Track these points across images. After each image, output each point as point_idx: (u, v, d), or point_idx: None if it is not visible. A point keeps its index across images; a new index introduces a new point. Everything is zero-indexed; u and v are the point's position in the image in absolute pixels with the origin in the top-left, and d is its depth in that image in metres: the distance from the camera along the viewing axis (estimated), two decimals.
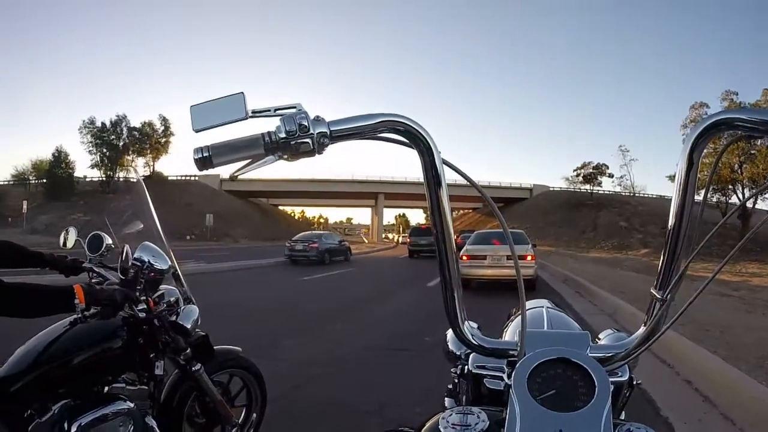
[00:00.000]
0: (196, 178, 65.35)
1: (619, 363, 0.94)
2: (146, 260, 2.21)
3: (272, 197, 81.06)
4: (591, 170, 65.14)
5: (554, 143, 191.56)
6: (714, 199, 42.27)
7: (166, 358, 2.31)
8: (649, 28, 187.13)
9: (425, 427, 0.84)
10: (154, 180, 58.42)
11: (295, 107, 0.80)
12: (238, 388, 2.97)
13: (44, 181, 51.70)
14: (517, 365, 0.82)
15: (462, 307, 0.96)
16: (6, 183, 54.70)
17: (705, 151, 0.79)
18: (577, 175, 66.49)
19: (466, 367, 1.24)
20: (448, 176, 0.89)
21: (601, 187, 67.13)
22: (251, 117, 0.80)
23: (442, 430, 0.79)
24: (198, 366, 2.44)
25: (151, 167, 61.43)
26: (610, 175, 65.55)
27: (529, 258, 12.03)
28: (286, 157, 0.80)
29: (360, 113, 0.84)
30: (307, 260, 22.23)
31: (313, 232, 29.96)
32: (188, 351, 2.35)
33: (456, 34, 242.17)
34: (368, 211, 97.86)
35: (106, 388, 2.06)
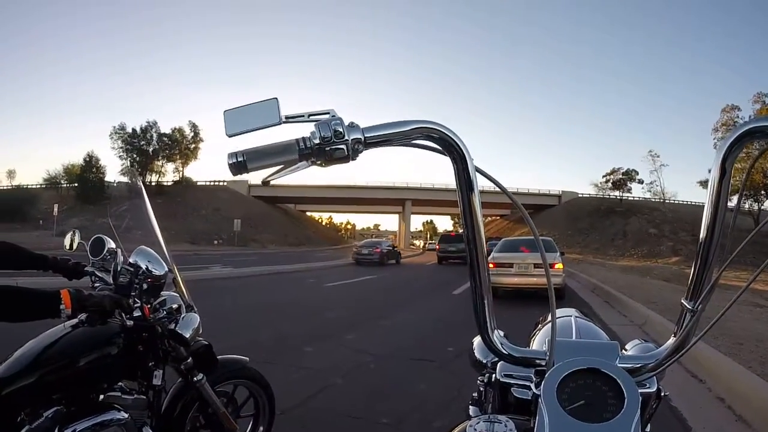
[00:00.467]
0: (225, 183, 66.30)
1: (648, 374, 0.93)
2: (142, 265, 2.16)
3: (299, 203, 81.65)
4: (620, 176, 64.39)
5: (583, 149, 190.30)
6: (746, 206, 41.54)
7: (169, 367, 2.25)
8: (679, 29, 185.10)
9: None
10: (184, 185, 59.41)
11: (328, 113, 0.80)
12: (245, 397, 2.88)
13: (75, 185, 52.67)
14: (547, 375, 0.81)
15: (492, 315, 0.96)
16: (38, 186, 55.89)
17: (738, 155, 0.78)
18: (606, 182, 65.76)
19: (494, 375, 1.23)
20: (450, 182, 0.84)
21: (631, 193, 66.29)
22: (285, 123, 0.81)
23: None
24: (200, 376, 2.36)
25: (181, 172, 62.40)
26: (640, 181, 64.74)
27: (556, 266, 11.68)
28: (319, 162, 0.80)
29: (393, 120, 0.84)
30: (370, 262, 26.82)
31: (374, 239, 36.32)
32: (189, 360, 2.28)
33: (485, 41, 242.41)
34: (395, 217, 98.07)
35: (102, 396, 1.99)
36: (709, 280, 0.84)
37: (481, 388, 1.51)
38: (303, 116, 0.81)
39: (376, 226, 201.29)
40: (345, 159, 0.78)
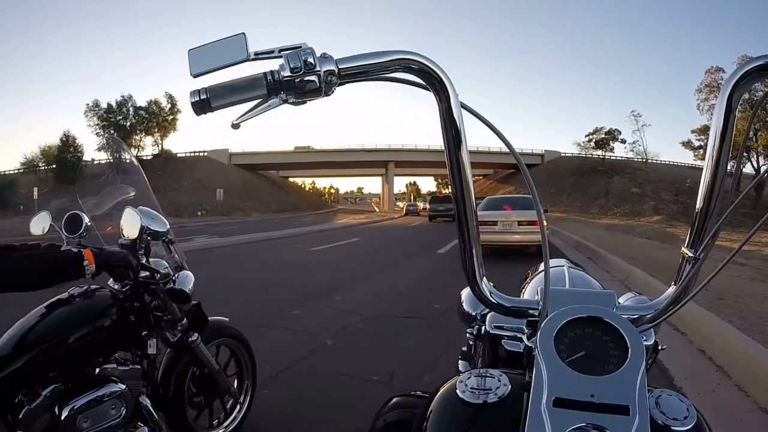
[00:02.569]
0: (206, 153, 65.59)
1: (648, 325, 0.89)
2: (145, 224, 2.18)
3: (282, 169, 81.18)
4: (603, 136, 64.79)
5: (566, 108, 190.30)
6: (729, 167, 42.25)
7: (159, 336, 2.27)
8: None
9: (441, 391, 0.79)
10: (164, 158, 58.64)
11: (300, 46, 0.74)
12: (226, 358, 2.96)
13: (53, 166, 51.69)
14: (543, 323, 0.75)
15: (481, 264, 0.91)
16: (16, 171, 54.79)
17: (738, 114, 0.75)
18: (589, 141, 66.17)
19: (483, 327, 1.20)
20: (432, 143, 0.80)
21: (614, 153, 66.78)
22: (253, 59, 0.75)
23: (459, 394, 0.74)
24: (195, 336, 2.40)
25: (160, 145, 61.50)
26: (623, 141, 65.34)
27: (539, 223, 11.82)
28: (291, 98, 0.75)
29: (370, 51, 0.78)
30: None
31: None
32: (184, 321, 2.30)
33: None
34: (379, 180, 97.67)
35: (97, 370, 2.00)
36: (711, 228, 0.81)
37: (471, 342, 1.48)
38: (273, 51, 0.76)
39: (360, 189, 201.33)
40: (317, 92, 0.74)
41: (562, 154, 74.17)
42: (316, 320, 5.91)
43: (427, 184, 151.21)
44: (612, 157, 66.51)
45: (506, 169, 75.22)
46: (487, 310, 1.12)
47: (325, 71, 0.73)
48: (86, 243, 2.25)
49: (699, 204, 0.81)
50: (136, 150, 57.15)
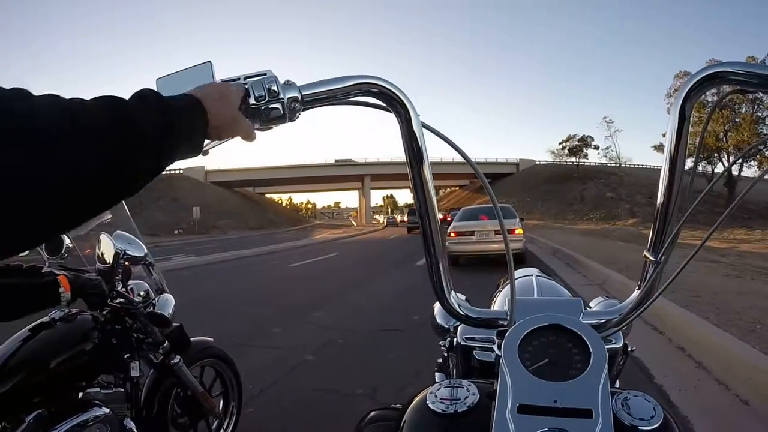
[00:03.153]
0: (181, 171, 64.93)
1: (614, 329, 0.91)
2: (122, 249, 2.17)
3: (258, 185, 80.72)
4: (576, 142, 65.79)
5: (539, 116, 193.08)
6: (700, 168, 42.88)
7: (141, 359, 2.26)
8: None
9: (413, 403, 0.80)
10: None
11: (265, 74, 0.77)
12: (211, 378, 2.96)
13: None
14: (507, 333, 0.78)
15: (448, 278, 0.93)
16: None
17: (692, 119, 0.77)
18: (563, 148, 67.18)
19: (455, 339, 1.21)
20: (434, 153, 0.82)
21: (587, 159, 67.86)
22: None
23: (430, 405, 0.75)
24: (177, 359, 2.41)
25: None
26: (596, 147, 66.70)
27: (516, 232, 12.02)
28: (256, 125, 0.77)
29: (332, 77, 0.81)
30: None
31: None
32: (166, 344, 2.30)
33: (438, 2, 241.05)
34: (356, 193, 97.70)
35: (81, 394, 1.98)
36: (671, 232, 0.83)
37: (445, 354, 1.50)
38: (238, 79, 0.78)
39: (337, 203, 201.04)
40: (281, 119, 0.76)
41: (537, 162, 75.01)
42: (296, 337, 5.90)
43: (404, 196, 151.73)
44: (586, 164, 67.58)
45: (480, 171, 75.67)
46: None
47: (288, 98, 0.75)
48: (67, 264, 2.21)
49: (658, 209, 0.83)
50: None
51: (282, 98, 0.75)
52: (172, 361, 2.39)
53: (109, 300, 2.02)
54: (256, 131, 0.78)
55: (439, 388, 0.78)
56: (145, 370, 2.33)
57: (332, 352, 5.28)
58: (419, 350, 4.90)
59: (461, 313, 0.95)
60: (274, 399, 3.88)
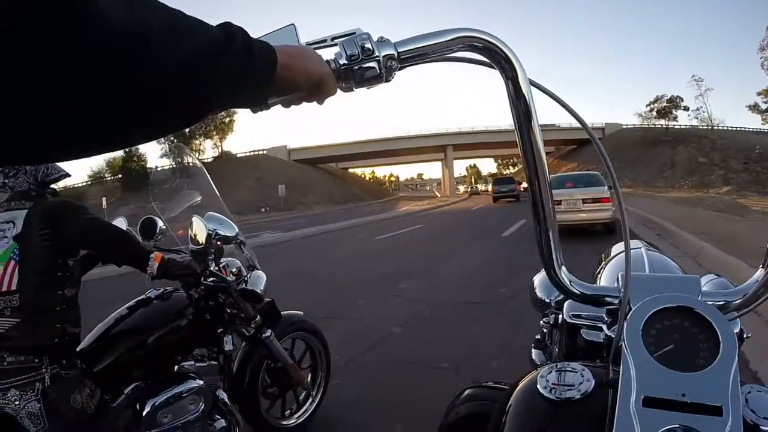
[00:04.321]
0: (265, 152, 66.48)
1: (736, 313, 0.81)
2: (213, 229, 2.28)
3: (341, 161, 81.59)
4: (665, 104, 61.97)
5: (625, 78, 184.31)
6: None
7: (234, 333, 2.37)
8: None
9: (520, 385, 0.76)
10: (224, 159, 59.84)
11: (354, 32, 0.72)
12: (301, 351, 3.06)
13: (119, 176, 53.53)
14: (630, 314, 0.71)
15: (558, 250, 0.87)
16: (85, 184, 56.79)
17: None
18: (651, 110, 63.40)
19: (560, 316, 1.15)
20: (491, 124, 0.75)
21: (677, 121, 63.69)
22: None
23: (540, 389, 0.70)
24: (268, 332, 2.51)
25: (220, 147, 62.75)
26: (686, 108, 62.40)
27: (605, 200, 11.53)
28: (349, 86, 0.72)
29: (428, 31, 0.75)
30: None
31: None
32: (258, 318, 2.39)
33: None
34: (438, 164, 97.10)
35: (176, 368, 2.11)
36: None
37: (545, 330, 1.44)
38: (326, 40, 0.74)
39: (420, 175, 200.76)
40: (378, 79, 0.71)
41: (624, 126, 71.71)
42: (383, 309, 5.99)
43: (488, 166, 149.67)
44: (676, 126, 63.52)
45: (567, 146, 73.42)
46: (562, 296, 1.08)
47: (384, 56, 0.70)
48: (162, 246, 2.37)
49: None
50: (197, 154, 58.13)
51: (377, 56, 0.70)
52: (264, 335, 2.49)
53: (202, 279, 2.11)
54: (345, 91, 0.74)
55: (550, 372, 0.72)
56: (237, 343, 2.44)
57: (418, 324, 5.34)
58: (505, 324, 4.85)
59: (573, 289, 0.88)
60: (359, 370, 3.96)
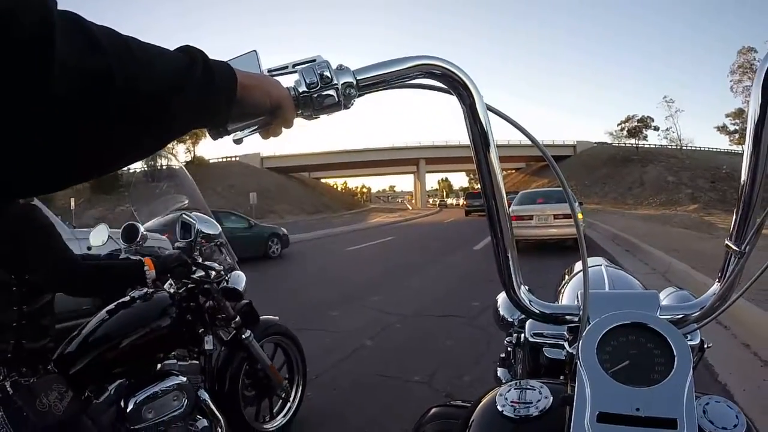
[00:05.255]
0: (237, 158, 66.11)
1: (695, 325, 0.84)
2: (199, 228, 2.38)
3: (313, 171, 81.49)
4: (636, 123, 63.31)
5: (597, 97, 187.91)
6: None
7: (214, 334, 2.42)
8: None
9: (481, 404, 0.76)
10: (196, 164, 59.32)
11: (315, 60, 0.72)
12: (278, 355, 3.12)
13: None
14: (585, 332, 0.72)
15: (517, 270, 0.87)
16: None
17: None
18: (621, 129, 64.74)
19: (522, 335, 1.16)
20: (463, 139, 0.76)
21: (647, 141, 65.27)
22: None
23: (499, 407, 0.71)
24: (247, 333, 2.57)
25: (192, 152, 62.17)
26: (656, 128, 64.12)
27: (577, 216, 11.64)
28: (308, 114, 0.73)
29: (388, 59, 0.76)
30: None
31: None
32: (237, 319, 2.46)
33: None
34: (410, 177, 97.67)
35: (159, 366, 2.15)
36: (755, 221, 0.76)
37: (509, 348, 1.44)
38: (287, 66, 0.74)
39: (392, 187, 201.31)
40: (336, 106, 0.71)
41: (595, 144, 72.92)
42: (355, 321, 5.96)
43: (459, 180, 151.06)
44: (646, 146, 65.00)
45: (538, 162, 74.36)
46: (524, 316, 1.07)
47: (343, 84, 0.71)
48: (143, 251, 2.39)
49: (741, 194, 0.76)
50: (168, 159, 57.57)
51: (336, 84, 0.70)
52: (243, 336, 2.54)
53: (189, 272, 2.23)
54: (307, 119, 0.74)
55: (509, 390, 0.74)
56: (218, 344, 2.49)
57: (390, 337, 5.34)
58: (478, 337, 4.86)
59: (533, 309, 0.88)
60: (330, 383, 3.94)
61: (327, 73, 0.70)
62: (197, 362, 2.30)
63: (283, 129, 0.74)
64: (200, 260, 2.34)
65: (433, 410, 0.89)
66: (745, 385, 3.48)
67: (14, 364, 1.65)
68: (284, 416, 3.03)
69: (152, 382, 2.03)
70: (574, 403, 0.64)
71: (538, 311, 0.88)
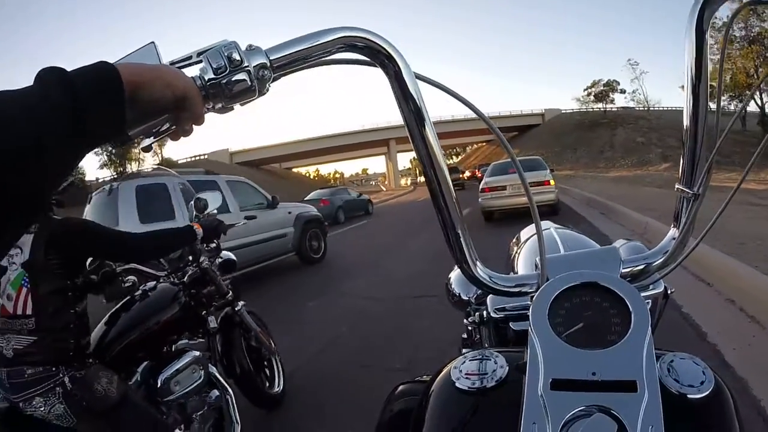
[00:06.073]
0: (206, 156, 65.39)
1: (658, 274, 0.83)
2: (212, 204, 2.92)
3: (284, 161, 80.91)
4: (602, 88, 63.73)
5: (562, 64, 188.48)
6: (732, 107, 40.53)
7: (214, 314, 2.80)
8: None
9: (437, 379, 0.73)
10: (166, 165, 58.47)
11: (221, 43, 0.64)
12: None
13: (57, 193, 51.67)
14: (534, 298, 0.69)
15: (470, 245, 0.83)
16: None
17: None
18: (588, 95, 65.15)
19: (484, 312, 1.11)
20: (452, 111, 0.69)
21: (614, 104, 65.66)
22: None
23: (455, 380, 0.68)
24: (239, 305, 3.03)
25: (159, 155, 61.25)
26: (622, 91, 64.53)
27: (549, 183, 11.99)
28: (219, 105, 0.65)
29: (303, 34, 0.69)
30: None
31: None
32: (230, 293, 2.90)
33: None
34: (382, 159, 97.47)
35: (174, 346, 2.50)
36: (703, 163, 0.75)
37: (469, 328, 1.41)
38: (191, 56, 0.66)
39: (365, 170, 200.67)
40: (249, 92, 0.64)
41: (563, 111, 73.27)
42: (330, 310, 6.06)
43: None
44: (613, 109, 65.41)
45: (508, 133, 74.58)
46: (481, 292, 1.09)
47: (255, 66, 0.63)
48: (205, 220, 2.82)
49: (686, 140, 0.76)
50: (137, 163, 56.86)
51: (247, 66, 0.62)
52: (236, 308, 3.01)
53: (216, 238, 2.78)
54: (219, 113, 0.67)
55: (464, 362, 0.71)
56: (218, 322, 2.84)
57: (367, 323, 5.33)
58: (454, 317, 4.77)
59: (493, 284, 0.84)
60: (312, 375, 3.98)
61: (236, 56, 0.62)
62: (203, 340, 2.67)
63: (193, 126, 0.66)
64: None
65: (400, 387, 0.86)
66: (735, 344, 3.43)
67: (71, 361, 1.92)
68: (281, 378, 3.51)
69: (172, 360, 2.38)
70: (527, 371, 0.61)
71: (498, 286, 0.84)
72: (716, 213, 0.77)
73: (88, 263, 2.18)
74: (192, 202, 2.85)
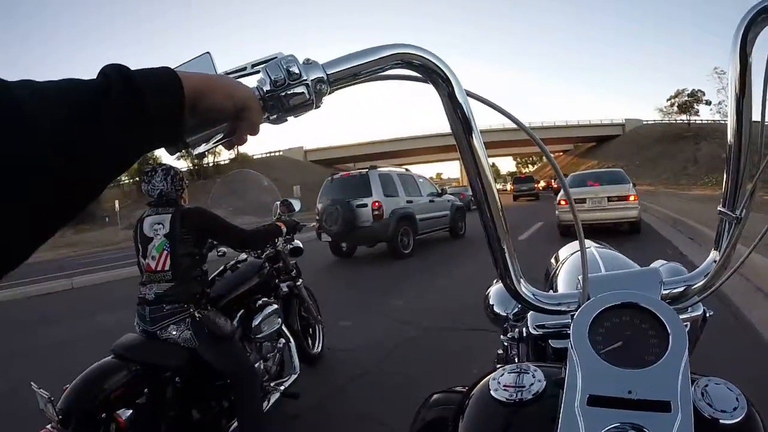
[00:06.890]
0: (281, 153, 66.63)
1: (698, 297, 0.81)
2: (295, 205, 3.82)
3: (357, 161, 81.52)
4: (686, 98, 60.35)
5: (644, 71, 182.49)
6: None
7: (283, 283, 3.75)
8: None
9: (475, 389, 0.75)
10: (240, 161, 59.93)
11: (276, 57, 0.65)
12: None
13: (135, 179, 53.49)
14: (576, 315, 0.71)
15: (515, 262, 0.82)
16: None
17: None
18: (672, 105, 61.83)
19: (524, 329, 1.07)
20: (530, 118, 0.75)
21: (699, 116, 61.85)
22: None
23: (492, 392, 0.70)
24: (300, 281, 3.96)
25: (236, 150, 62.75)
26: (707, 102, 60.11)
27: (631, 198, 10.94)
28: (275, 116, 0.67)
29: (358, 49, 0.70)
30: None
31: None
32: (294, 271, 3.87)
33: None
34: (456, 164, 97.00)
35: (258, 303, 3.28)
36: (746, 186, 0.75)
37: (505, 343, 1.40)
38: (245, 68, 0.68)
39: (438, 175, 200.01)
40: (308, 105, 0.65)
41: (644, 122, 70.30)
42: (374, 328, 5.55)
43: (507, 164, 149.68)
44: (698, 121, 61.93)
45: (586, 143, 72.44)
46: (519, 308, 1.14)
47: (313, 79, 0.65)
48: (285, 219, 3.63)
49: (729, 161, 0.75)
50: (213, 156, 58.54)
51: (305, 80, 0.64)
52: (298, 283, 3.92)
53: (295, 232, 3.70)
54: (273, 123, 0.68)
55: (503, 374, 0.72)
56: (286, 290, 3.81)
57: (412, 348, 4.78)
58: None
59: (536, 302, 0.84)
60: (347, 401, 3.71)
61: (295, 69, 0.64)
62: (274, 302, 3.40)
63: (248, 136, 0.67)
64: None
65: (434, 396, 0.87)
66: None
67: (198, 302, 2.69)
68: (320, 342, 4.45)
69: (261, 310, 3.20)
70: (565, 386, 0.63)
71: (541, 304, 0.84)
72: (760, 233, 0.76)
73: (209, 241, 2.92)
74: (278, 203, 3.71)
